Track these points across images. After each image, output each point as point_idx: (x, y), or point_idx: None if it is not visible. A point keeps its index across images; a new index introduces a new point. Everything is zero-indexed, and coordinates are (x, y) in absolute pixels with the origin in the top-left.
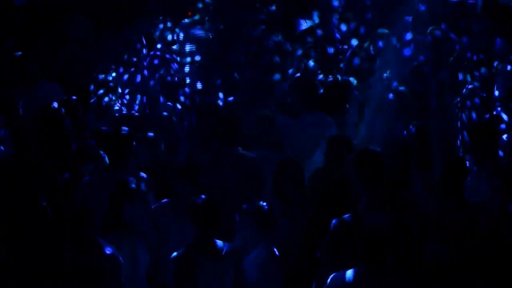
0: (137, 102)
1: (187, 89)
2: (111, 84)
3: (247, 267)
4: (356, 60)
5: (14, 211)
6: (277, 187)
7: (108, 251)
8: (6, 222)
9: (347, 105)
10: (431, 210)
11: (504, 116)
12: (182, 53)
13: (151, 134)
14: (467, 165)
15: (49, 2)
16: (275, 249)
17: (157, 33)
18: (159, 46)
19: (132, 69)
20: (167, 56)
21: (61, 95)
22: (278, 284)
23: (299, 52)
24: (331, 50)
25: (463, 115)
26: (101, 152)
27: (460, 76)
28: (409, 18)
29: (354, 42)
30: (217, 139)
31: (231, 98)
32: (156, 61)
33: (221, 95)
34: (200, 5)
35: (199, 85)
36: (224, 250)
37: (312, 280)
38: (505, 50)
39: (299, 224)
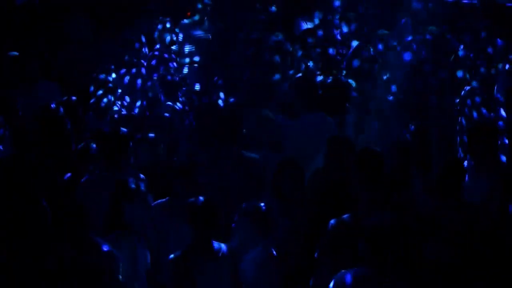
0: (137, 102)
1: (187, 90)
2: (111, 84)
3: (245, 267)
4: (356, 61)
5: (14, 211)
6: (277, 187)
7: (104, 248)
8: (6, 222)
9: (347, 105)
10: (431, 210)
11: (504, 116)
12: (181, 53)
13: (151, 134)
14: (466, 165)
15: (49, 2)
16: (273, 250)
17: (157, 33)
18: (159, 46)
19: (132, 69)
20: (167, 56)
21: (60, 95)
22: (276, 284)
23: (300, 52)
24: (331, 50)
25: (463, 115)
26: (101, 152)
27: (460, 76)
28: (409, 19)
29: (355, 43)
30: (217, 139)
31: (231, 99)
32: (156, 61)
33: (221, 95)
34: (199, 6)
35: (199, 86)
36: (222, 251)
37: (310, 280)
38: (505, 50)
39: (299, 224)
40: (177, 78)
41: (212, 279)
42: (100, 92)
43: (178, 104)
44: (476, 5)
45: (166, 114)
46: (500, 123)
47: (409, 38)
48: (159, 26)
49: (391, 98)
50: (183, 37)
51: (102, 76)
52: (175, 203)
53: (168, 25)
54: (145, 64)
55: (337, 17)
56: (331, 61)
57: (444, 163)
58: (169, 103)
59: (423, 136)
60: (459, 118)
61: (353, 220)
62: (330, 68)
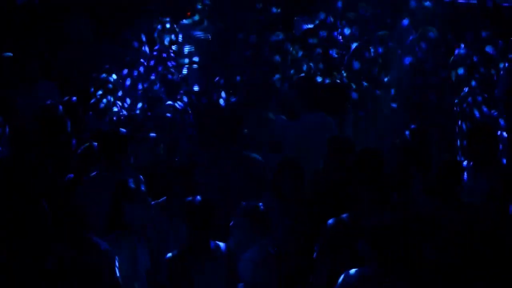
0: (137, 102)
1: (187, 89)
2: (111, 84)
3: (242, 266)
4: (356, 61)
5: (14, 211)
6: (277, 187)
7: (102, 247)
8: (6, 222)
9: (347, 105)
10: (431, 210)
11: (504, 117)
12: (181, 53)
13: (151, 134)
14: (465, 165)
15: (49, 2)
16: (270, 249)
17: (157, 33)
18: (159, 46)
19: (132, 69)
20: (167, 56)
21: (58, 95)
22: (274, 283)
23: (300, 52)
24: (331, 50)
25: (463, 115)
26: (101, 152)
27: (460, 76)
28: (409, 19)
29: (354, 43)
30: (217, 139)
31: (231, 99)
32: (156, 62)
33: (221, 95)
34: (199, 6)
35: (199, 86)
36: (220, 250)
37: (309, 280)
38: (505, 50)
39: (299, 224)
40: (177, 78)
41: (209, 279)
42: (100, 92)
43: (178, 103)
44: (475, 5)
45: (168, 115)
46: (501, 123)
47: (409, 38)
48: (159, 26)
49: (391, 98)
50: (183, 37)
51: (103, 76)
52: (175, 203)
53: (168, 25)
54: (145, 64)
55: (338, 17)
56: (331, 61)
57: (441, 163)
58: (170, 102)
59: (423, 136)
60: (459, 118)
61: (352, 219)
62: (330, 68)
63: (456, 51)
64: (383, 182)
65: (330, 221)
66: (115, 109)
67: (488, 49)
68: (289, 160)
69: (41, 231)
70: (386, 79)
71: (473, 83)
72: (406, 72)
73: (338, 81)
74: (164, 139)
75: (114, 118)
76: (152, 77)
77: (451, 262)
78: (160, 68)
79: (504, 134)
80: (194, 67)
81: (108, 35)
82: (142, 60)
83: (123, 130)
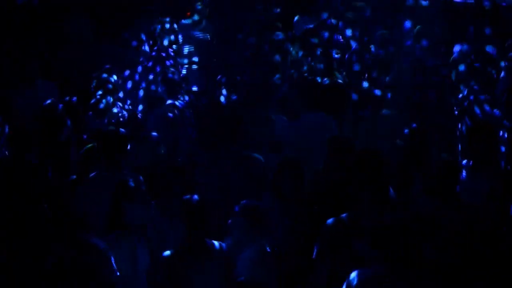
0: (137, 102)
1: (187, 89)
2: (111, 85)
3: (239, 265)
4: (356, 61)
5: (14, 211)
6: (277, 187)
7: (101, 247)
8: (6, 222)
9: (347, 105)
10: (431, 210)
11: (504, 116)
12: (181, 53)
13: (151, 134)
14: (465, 165)
15: (49, 2)
16: (268, 248)
17: (157, 33)
18: (159, 46)
19: (132, 69)
20: (166, 56)
21: (57, 95)
22: (270, 282)
23: (300, 52)
24: (331, 50)
25: (463, 115)
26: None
27: (460, 76)
28: (409, 19)
29: (354, 43)
30: (217, 139)
31: (231, 98)
32: (156, 62)
33: (221, 95)
34: (199, 6)
35: (199, 86)
36: (216, 249)
37: (308, 280)
38: (506, 49)
39: (299, 224)
40: (177, 78)
41: (206, 278)
42: (101, 92)
43: (178, 102)
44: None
45: (170, 114)
46: (500, 122)
47: (410, 38)
48: (159, 26)
49: (391, 98)
50: (183, 37)
51: (103, 76)
52: (175, 202)
53: (168, 25)
54: (145, 63)
55: (338, 17)
56: (331, 61)
57: (441, 163)
58: (170, 101)
59: (423, 136)
60: (459, 118)
61: (351, 219)
62: (330, 68)
63: (456, 51)
64: (383, 182)
65: (329, 221)
66: (115, 109)
67: (488, 48)
68: (289, 160)
69: (41, 231)
70: (386, 79)
71: (473, 83)
72: (406, 72)
73: (339, 81)
74: (164, 139)
75: (116, 116)
76: (152, 77)
77: (451, 262)
78: (160, 68)
79: (505, 134)
80: (194, 67)
81: (108, 35)
82: (142, 59)
83: (123, 130)
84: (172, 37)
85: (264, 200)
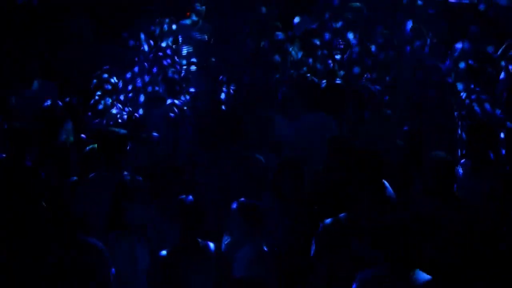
0: (137, 102)
1: (187, 89)
2: (110, 85)
3: (236, 265)
4: (356, 60)
5: (14, 211)
6: (277, 187)
7: (99, 247)
8: (6, 222)
9: (347, 105)
10: (431, 210)
11: (504, 116)
12: (181, 53)
13: (150, 134)
14: (464, 164)
15: (49, 2)
16: (265, 247)
17: (157, 33)
18: (158, 46)
19: (132, 69)
20: (165, 55)
21: (57, 95)
22: (267, 281)
23: (300, 52)
24: (331, 50)
25: (463, 115)
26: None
27: (460, 76)
28: (409, 19)
29: (354, 42)
30: (217, 139)
31: (231, 99)
32: (155, 62)
33: (223, 94)
34: (198, 7)
35: (199, 86)
36: (211, 250)
37: (308, 280)
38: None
39: (299, 224)
40: (177, 78)
41: (200, 278)
42: (100, 92)
43: (178, 101)
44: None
45: (171, 114)
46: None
47: (409, 38)
48: (159, 26)
49: (391, 98)
50: (182, 38)
51: (103, 76)
52: (174, 203)
53: (167, 25)
54: (145, 64)
55: (338, 17)
56: (331, 61)
57: (441, 163)
58: (170, 101)
59: (422, 137)
60: (459, 117)
61: (349, 219)
62: (330, 68)
63: (458, 48)
64: (383, 182)
65: (327, 220)
66: (115, 110)
67: (488, 48)
68: (289, 160)
69: (40, 231)
70: (385, 77)
71: (472, 83)
72: (406, 71)
73: (339, 81)
74: (164, 139)
75: (115, 117)
76: (152, 77)
77: (451, 262)
78: (160, 68)
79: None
80: (193, 67)
81: (108, 35)
82: (142, 59)
83: (123, 130)
84: (172, 37)
85: (264, 200)
